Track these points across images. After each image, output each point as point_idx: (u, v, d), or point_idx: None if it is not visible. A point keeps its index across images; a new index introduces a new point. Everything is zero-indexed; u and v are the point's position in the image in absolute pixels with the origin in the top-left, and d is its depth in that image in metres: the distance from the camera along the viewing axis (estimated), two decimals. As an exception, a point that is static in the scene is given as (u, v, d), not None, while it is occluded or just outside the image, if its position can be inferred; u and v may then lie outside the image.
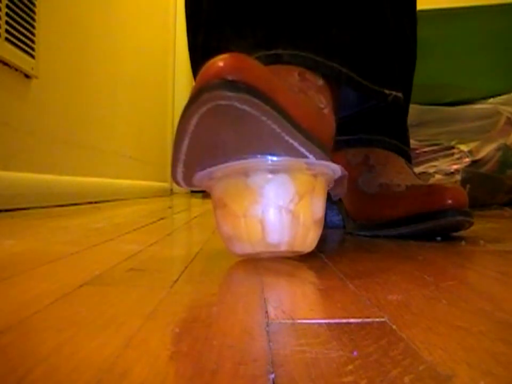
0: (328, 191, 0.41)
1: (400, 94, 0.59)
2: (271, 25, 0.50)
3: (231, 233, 0.38)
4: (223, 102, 0.33)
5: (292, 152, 0.36)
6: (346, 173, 0.40)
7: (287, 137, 0.36)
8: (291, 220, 0.37)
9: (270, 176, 0.36)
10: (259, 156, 0.36)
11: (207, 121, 0.35)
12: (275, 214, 0.36)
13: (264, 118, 0.34)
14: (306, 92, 0.44)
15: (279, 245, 0.37)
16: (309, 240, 0.38)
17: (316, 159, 0.37)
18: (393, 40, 0.58)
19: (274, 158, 0.36)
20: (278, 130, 0.35)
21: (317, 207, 0.38)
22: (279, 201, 0.36)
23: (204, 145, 0.37)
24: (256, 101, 0.33)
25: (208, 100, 0.33)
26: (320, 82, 0.48)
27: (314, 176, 0.38)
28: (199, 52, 0.56)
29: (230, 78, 0.33)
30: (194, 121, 0.35)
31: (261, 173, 0.36)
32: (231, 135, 0.36)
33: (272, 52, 0.48)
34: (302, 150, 0.37)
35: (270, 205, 0.36)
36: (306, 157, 0.37)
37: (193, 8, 0.58)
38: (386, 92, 0.56)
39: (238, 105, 0.33)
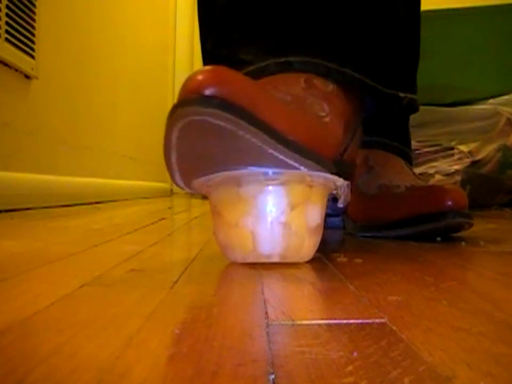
0: (331, 198, 0.41)
1: (414, 96, 0.59)
2: (282, 32, 0.49)
3: (224, 242, 0.38)
4: (196, 118, 0.33)
5: (280, 164, 0.36)
6: (348, 182, 0.39)
7: (270, 151, 0.35)
8: (282, 231, 0.36)
9: (262, 186, 0.36)
10: (248, 168, 0.36)
11: (187, 135, 0.35)
12: (266, 225, 0.36)
13: (241, 132, 0.34)
14: (304, 100, 0.44)
15: (271, 256, 0.37)
16: (304, 251, 0.38)
17: (309, 170, 0.37)
18: (404, 42, 0.58)
19: (269, 171, 0.35)
20: (259, 144, 0.35)
21: (313, 215, 0.37)
22: (271, 212, 0.36)
23: (193, 157, 0.37)
24: (230, 116, 0.33)
25: (183, 114, 0.33)
26: (329, 88, 0.47)
27: (310, 186, 0.37)
28: (209, 58, 0.56)
29: (207, 92, 0.33)
30: (175, 135, 0.35)
31: (253, 183, 0.36)
32: (215, 149, 0.36)
33: (283, 59, 0.48)
34: (291, 162, 0.36)
35: (261, 216, 0.36)
36: (297, 168, 0.37)
37: (204, 14, 0.58)
38: (401, 95, 0.56)
39: (212, 120, 0.33)
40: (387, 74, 0.54)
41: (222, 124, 0.33)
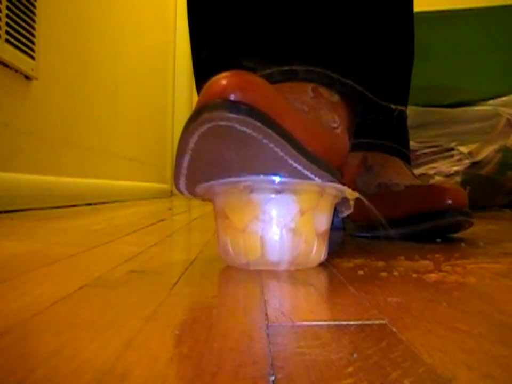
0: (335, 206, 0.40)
1: (404, 108, 0.60)
2: (286, 41, 0.49)
3: (228, 246, 0.37)
4: (223, 123, 0.33)
5: (296, 174, 0.36)
6: (355, 195, 0.39)
7: (290, 161, 0.35)
8: (292, 239, 0.36)
9: (274, 193, 0.35)
10: (262, 176, 0.35)
11: (207, 140, 0.34)
12: (276, 232, 0.35)
13: (266, 141, 0.33)
14: (319, 111, 0.44)
15: (279, 263, 0.36)
16: (313, 256, 0.37)
17: (322, 181, 0.37)
18: (403, 55, 0.59)
19: (279, 179, 0.35)
20: (281, 153, 0.34)
21: (321, 221, 0.37)
22: (281, 219, 0.35)
23: (205, 163, 0.36)
24: (258, 123, 0.33)
25: (208, 119, 0.33)
26: (335, 98, 0.47)
27: (321, 193, 0.37)
28: (204, 67, 0.55)
29: (232, 98, 0.32)
30: (194, 139, 0.34)
31: (265, 189, 0.35)
32: (233, 155, 0.35)
33: (287, 67, 0.47)
34: (307, 173, 0.36)
35: (271, 223, 0.35)
36: (311, 179, 0.36)
37: (198, 24, 0.56)
38: (393, 107, 0.56)
39: (238, 127, 0.33)
40: (383, 86, 0.54)
41: (249, 131, 0.33)
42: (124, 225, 0.76)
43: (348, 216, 0.66)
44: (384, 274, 0.35)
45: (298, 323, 0.23)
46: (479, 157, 1.32)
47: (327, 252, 0.39)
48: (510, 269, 0.39)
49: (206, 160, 0.36)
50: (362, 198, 0.39)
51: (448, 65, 1.44)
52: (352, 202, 0.39)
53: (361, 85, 0.50)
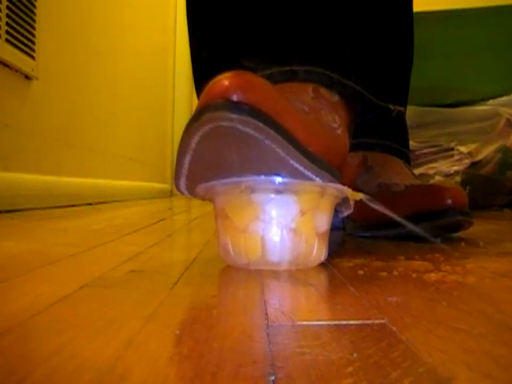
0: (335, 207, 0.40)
1: (402, 109, 0.60)
2: (286, 41, 0.49)
3: (228, 246, 0.37)
4: (225, 124, 0.33)
5: (297, 175, 0.36)
6: (357, 195, 0.39)
7: (292, 161, 0.35)
8: (293, 239, 0.36)
9: (274, 193, 0.35)
10: (263, 176, 0.35)
11: (209, 140, 0.34)
12: (277, 232, 0.36)
13: (268, 142, 0.33)
14: (319, 111, 0.44)
15: (279, 263, 0.36)
16: (313, 256, 0.37)
17: (323, 182, 0.37)
18: (403, 55, 0.59)
19: (280, 179, 0.35)
20: (283, 154, 0.34)
21: (321, 221, 0.37)
22: (282, 219, 0.35)
23: (206, 163, 0.36)
24: (260, 124, 0.33)
25: (210, 120, 0.33)
26: (335, 98, 0.47)
27: (321, 194, 0.37)
28: (204, 67, 0.55)
29: (234, 98, 0.32)
30: (196, 139, 0.34)
31: (266, 189, 0.35)
32: (234, 156, 0.35)
33: (287, 68, 0.47)
34: (308, 173, 0.36)
35: (272, 223, 0.36)
36: (312, 179, 0.36)
37: (197, 24, 0.56)
38: (391, 107, 0.56)
39: (241, 127, 0.33)
40: (382, 87, 0.54)
41: (251, 131, 0.33)
42: (124, 225, 0.76)
43: (347, 216, 0.66)
44: (384, 274, 0.35)
45: (298, 323, 0.23)
46: (479, 157, 1.32)
47: (327, 252, 0.39)
48: (510, 268, 0.39)
49: (207, 160, 0.36)
50: (366, 200, 0.39)
51: (448, 65, 1.44)
52: (352, 202, 0.39)
53: (361, 86, 0.50)
